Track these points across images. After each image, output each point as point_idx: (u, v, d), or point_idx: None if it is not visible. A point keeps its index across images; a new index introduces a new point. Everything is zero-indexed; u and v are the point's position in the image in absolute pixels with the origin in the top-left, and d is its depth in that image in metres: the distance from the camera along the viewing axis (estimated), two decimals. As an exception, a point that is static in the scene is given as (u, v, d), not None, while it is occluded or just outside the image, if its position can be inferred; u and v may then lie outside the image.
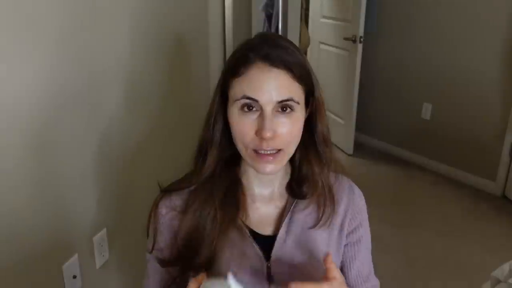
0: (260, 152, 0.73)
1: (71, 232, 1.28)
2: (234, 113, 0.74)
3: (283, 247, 0.80)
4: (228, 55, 2.15)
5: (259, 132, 0.71)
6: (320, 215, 0.82)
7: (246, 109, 0.72)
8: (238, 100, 0.72)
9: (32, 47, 1.06)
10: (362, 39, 3.42)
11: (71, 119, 1.22)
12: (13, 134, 1.03)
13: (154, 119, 1.69)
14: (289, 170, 0.85)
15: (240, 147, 0.76)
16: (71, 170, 1.25)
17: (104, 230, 1.42)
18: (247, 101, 0.72)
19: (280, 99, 0.71)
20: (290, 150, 0.77)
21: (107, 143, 1.39)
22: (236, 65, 0.74)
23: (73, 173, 1.25)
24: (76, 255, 1.29)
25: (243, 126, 0.73)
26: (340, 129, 3.79)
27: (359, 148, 3.85)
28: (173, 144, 1.82)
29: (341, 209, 0.86)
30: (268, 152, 0.73)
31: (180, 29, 1.82)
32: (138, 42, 1.52)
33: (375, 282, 0.94)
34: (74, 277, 1.28)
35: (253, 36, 0.80)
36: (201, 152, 0.81)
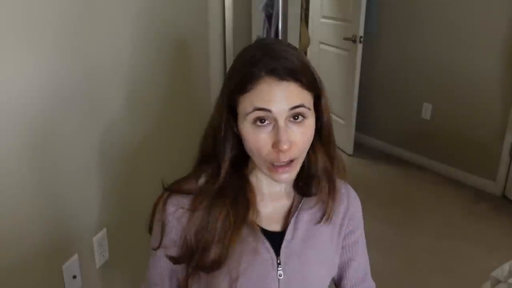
0: (276, 164, 0.74)
1: (71, 232, 1.28)
2: (247, 127, 0.73)
3: (291, 243, 0.82)
4: (228, 55, 2.16)
5: (275, 145, 0.72)
6: (325, 210, 0.84)
7: (259, 122, 0.72)
8: (249, 113, 0.72)
9: (33, 47, 1.06)
10: (362, 39, 3.42)
11: (72, 120, 1.22)
12: (14, 134, 1.03)
13: (155, 120, 1.69)
14: None
15: (255, 158, 0.76)
16: (72, 170, 1.25)
17: (104, 230, 1.42)
18: (259, 113, 0.71)
19: (291, 106, 0.71)
20: (304, 156, 0.78)
21: (107, 143, 1.39)
22: (242, 82, 0.73)
23: (73, 173, 1.25)
24: (76, 255, 1.29)
25: (258, 141, 0.73)
26: (340, 129, 3.79)
27: (359, 148, 3.85)
28: (174, 145, 1.82)
29: (340, 209, 0.88)
30: (284, 163, 0.74)
31: (180, 30, 1.82)
32: (139, 43, 1.52)
33: (371, 283, 0.95)
34: (74, 277, 1.28)
35: (252, 39, 0.79)
36: (204, 160, 0.82)
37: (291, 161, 0.74)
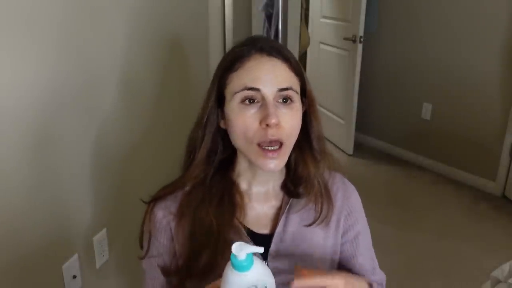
0: (264, 147, 0.72)
1: (71, 232, 1.28)
2: (233, 108, 0.73)
3: (280, 245, 0.81)
4: (228, 55, 2.16)
5: (263, 120, 0.70)
6: (318, 213, 0.82)
7: (247, 102, 0.72)
8: (238, 92, 0.72)
9: (30, 47, 1.06)
10: (362, 39, 3.43)
11: (71, 119, 1.22)
12: (12, 134, 1.03)
13: (153, 119, 1.69)
14: (284, 170, 0.84)
15: (242, 143, 0.74)
16: (71, 170, 1.25)
17: (104, 230, 1.42)
18: (248, 92, 0.71)
19: (280, 87, 0.71)
20: (291, 143, 0.76)
21: (106, 143, 1.39)
22: (232, 61, 0.74)
23: (72, 173, 1.25)
24: (76, 255, 1.29)
25: (245, 118, 0.72)
26: (340, 129, 3.79)
27: (359, 148, 3.85)
28: (173, 144, 1.82)
29: (336, 206, 0.86)
30: (272, 148, 0.72)
31: (179, 29, 1.82)
32: (137, 43, 1.52)
33: (380, 276, 0.93)
34: (74, 277, 1.28)
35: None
36: (190, 152, 0.80)
37: (279, 147, 0.72)
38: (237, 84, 0.72)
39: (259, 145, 0.72)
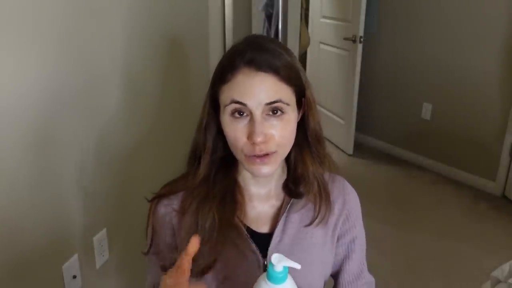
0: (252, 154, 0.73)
1: (71, 232, 1.28)
2: (225, 119, 0.74)
3: (280, 245, 0.81)
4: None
5: (250, 137, 0.71)
6: (316, 213, 0.83)
7: (236, 114, 0.73)
8: (227, 105, 0.73)
9: (30, 47, 1.06)
10: (362, 39, 3.42)
11: (71, 119, 1.22)
12: (12, 134, 1.03)
13: (154, 119, 1.69)
14: (285, 170, 0.85)
15: (234, 152, 0.76)
16: (71, 170, 1.25)
17: (104, 230, 1.42)
18: (236, 105, 0.72)
19: (268, 101, 0.71)
20: (284, 151, 0.77)
21: (106, 143, 1.39)
22: (223, 71, 0.74)
23: (73, 173, 1.25)
24: (76, 255, 1.29)
25: (234, 132, 0.73)
26: (340, 129, 3.79)
27: (359, 148, 3.84)
28: (173, 144, 1.82)
29: (336, 208, 0.86)
30: (259, 154, 0.73)
31: (179, 29, 1.82)
32: (138, 43, 1.52)
33: (369, 279, 0.94)
34: (74, 277, 1.28)
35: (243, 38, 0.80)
36: (195, 156, 0.81)
37: (271, 153, 0.73)
38: (226, 97, 0.73)
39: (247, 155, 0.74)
